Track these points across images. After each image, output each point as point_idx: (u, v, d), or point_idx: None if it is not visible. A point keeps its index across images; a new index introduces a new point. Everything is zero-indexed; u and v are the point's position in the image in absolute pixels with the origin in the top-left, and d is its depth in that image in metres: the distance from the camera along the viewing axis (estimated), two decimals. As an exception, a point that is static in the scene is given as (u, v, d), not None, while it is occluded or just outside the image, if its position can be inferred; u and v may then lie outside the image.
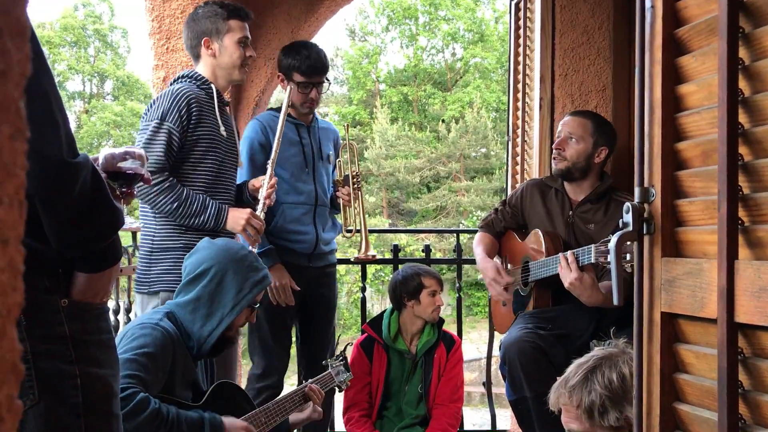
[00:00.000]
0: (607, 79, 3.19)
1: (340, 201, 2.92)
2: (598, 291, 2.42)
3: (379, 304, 15.11)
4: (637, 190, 1.35)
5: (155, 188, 2.35)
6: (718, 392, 1.15)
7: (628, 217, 1.35)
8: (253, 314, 2.21)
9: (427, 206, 20.53)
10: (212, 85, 2.51)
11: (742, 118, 1.17)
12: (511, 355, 2.47)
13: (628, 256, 1.51)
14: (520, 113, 3.53)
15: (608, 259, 1.89)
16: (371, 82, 24.21)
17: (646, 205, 1.35)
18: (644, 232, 1.35)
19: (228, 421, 1.99)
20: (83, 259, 1.28)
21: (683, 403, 1.29)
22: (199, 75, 2.52)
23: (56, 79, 1.21)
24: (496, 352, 3.07)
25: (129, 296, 3.37)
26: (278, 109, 2.86)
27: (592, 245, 2.35)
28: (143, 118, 2.49)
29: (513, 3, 3.61)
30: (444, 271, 16.06)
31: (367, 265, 3.75)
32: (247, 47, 2.53)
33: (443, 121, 21.97)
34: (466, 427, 3.82)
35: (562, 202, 2.75)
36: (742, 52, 1.17)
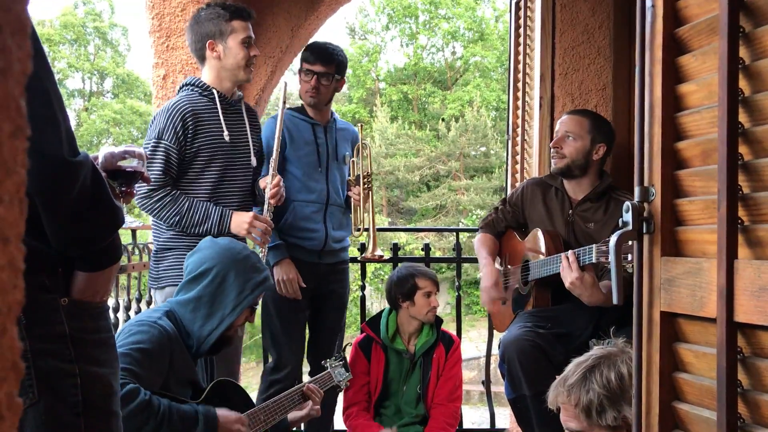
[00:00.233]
0: (607, 78, 3.19)
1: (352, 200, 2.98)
2: (598, 290, 2.42)
3: (378, 302, 15.12)
4: (636, 189, 1.35)
5: (158, 204, 2.45)
6: (718, 391, 1.15)
7: (627, 216, 1.35)
8: (252, 315, 2.21)
9: (426, 205, 20.53)
10: (214, 91, 2.55)
11: (742, 117, 1.17)
12: (510, 353, 2.47)
13: (629, 256, 1.51)
14: (520, 112, 3.53)
15: (609, 259, 1.90)
16: (371, 80, 24.21)
17: (645, 205, 1.35)
18: (644, 231, 1.35)
19: (222, 413, 1.99)
20: (83, 258, 1.28)
21: (682, 402, 1.29)
22: (201, 82, 2.57)
23: (56, 77, 1.20)
24: (495, 350, 3.07)
25: (129, 294, 3.37)
26: (296, 109, 2.97)
27: (594, 245, 2.35)
28: (146, 135, 2.59)
29: (513, 2, 3.61)
30: (443, 270, 16.07)
31: (367, 264, 3.76)
32: (251, 47, 2.56)
33: (443, 119, 21.97)
34: (465, 426, 3.83)
35: (562, 201, 2.75)
36: (743, 52, 1.17)
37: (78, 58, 26.75)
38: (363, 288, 3.73)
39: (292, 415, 2.36)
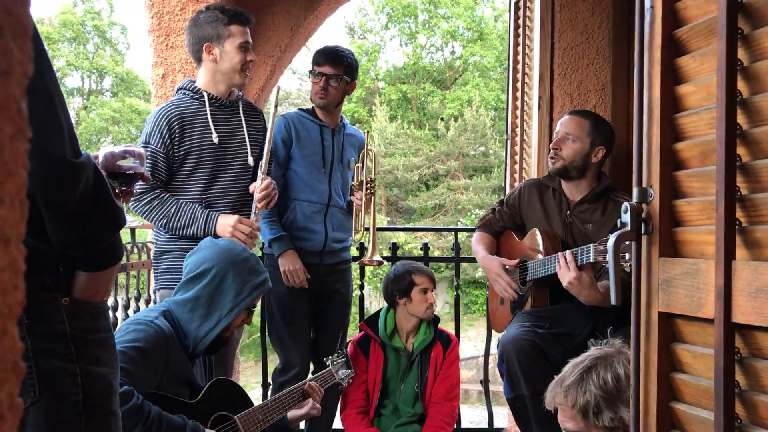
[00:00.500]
0: (606, 78, 3.19)
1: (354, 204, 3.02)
2: (596, 290, 2.43)
3: (377, 301, 15.11)
4: (635, 190, 1.36)
5: (147, 207, 2.51)
6: (715, 392, 1.15)
7: (626, 217, 1.35)
8: (250, 317, 2.22)
9: (425, 204, 20.53)
10: (204, 94, 2.59)
11: (741, 118, 1.17)
12: (508, 352, 2.47)
13: (627, 256, 1.51)
14: (519, 112, 3.53)
15: (607, 259, 1.90)
16: (370, 79, 24.20)
17: (644, 205, 1.35)
18: (642, 232, 1.35)
19: None
20: (84, 258, 1.28)
21: (680, 402, 1.29)
22: (193, 85, 2.61)
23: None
24: (493, 350, 3.07)
25: (128, 293, 3.37)
26: (306, 110, 3.03)
27: (591, 244, 2.35)
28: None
29: (513, 2, 3.61)
30: (442, 269, 16.07)
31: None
32: (248, 52, 2.58)
33: (442, 119, 21.97)
34: (463, 425, 3.83)
35: (560, 202, 2.75)
36: (741, 53, 1.17)
37: (77, 56, 26.72)
38: (362, 287, 3.74)
39: (292, 413, 2.36)
